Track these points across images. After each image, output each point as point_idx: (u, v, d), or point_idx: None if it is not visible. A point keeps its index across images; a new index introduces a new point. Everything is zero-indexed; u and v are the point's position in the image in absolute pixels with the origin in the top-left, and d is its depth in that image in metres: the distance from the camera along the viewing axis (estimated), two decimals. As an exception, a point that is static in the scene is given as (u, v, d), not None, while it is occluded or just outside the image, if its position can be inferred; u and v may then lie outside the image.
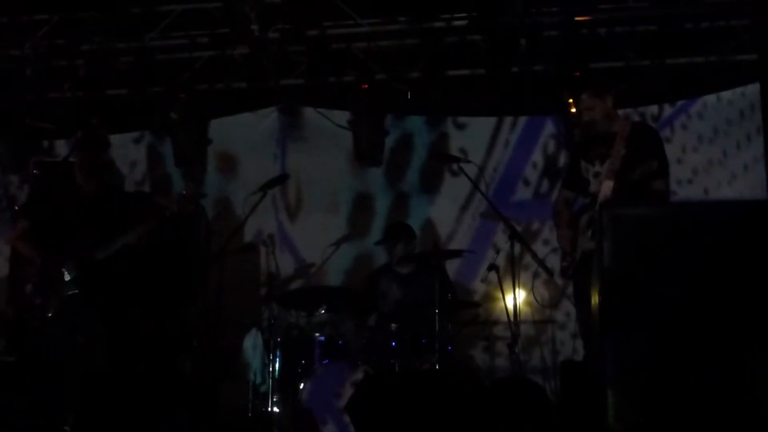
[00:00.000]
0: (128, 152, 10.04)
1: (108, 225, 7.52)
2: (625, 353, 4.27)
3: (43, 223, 7.48)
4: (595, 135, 7.23)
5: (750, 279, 4.29)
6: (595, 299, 4.70)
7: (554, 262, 8.07)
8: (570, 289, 7.74)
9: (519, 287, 8.39)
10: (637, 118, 9.44)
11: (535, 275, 8.21)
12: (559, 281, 8.12)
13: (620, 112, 7.62)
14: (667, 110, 9.56)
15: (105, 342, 7.59)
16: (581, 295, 7.05)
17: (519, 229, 9.20)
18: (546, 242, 9.33)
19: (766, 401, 4.02)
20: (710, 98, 9.50)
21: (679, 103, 9.54)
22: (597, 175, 7.09)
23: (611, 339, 4.36)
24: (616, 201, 6.85)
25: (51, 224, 7.45)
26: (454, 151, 9.71)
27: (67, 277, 7.44)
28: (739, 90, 9.42)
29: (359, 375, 7.94)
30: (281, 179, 8.47)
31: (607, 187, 6.95)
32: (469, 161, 8.37)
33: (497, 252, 8.55)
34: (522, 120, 9.81)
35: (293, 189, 9.68)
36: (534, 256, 8.41)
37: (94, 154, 7.60)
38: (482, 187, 8.69)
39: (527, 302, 9.01)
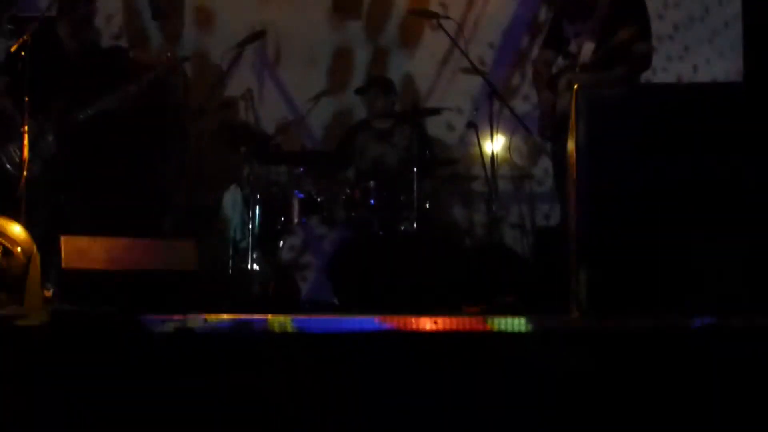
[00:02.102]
0: (104, 4, 9.81)
1: (90, 85, 7.48)
2: (599, 236, 4.32)
3: (25, 80, 7.42)
4: (578, -5, 7.19)
5: (722, 162, 4.32)
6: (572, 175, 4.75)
7: (533, 119, 8.12)
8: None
9: (497, 144, 8.45)
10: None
11: (513, 132, 8.26)
12: (538, 138, 8.09)
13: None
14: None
15: (87, 203, 7.67)
16: (560, 157, 7.10)
17: (499, 84, 9.22)
18: (526, 98, 9.31)
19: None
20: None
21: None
22: (578, 34, 7.06)
23: (585, 219, 4.40)
24: (595, 64, 6.85)
25: (33, 82, 7.39)
26: (433, 4, 9.59)
27: (49, 137, 7.44)
28: (722, -56, 9.31)
29: (338, 234, 8.05)
30: (258, 35, 8.39)
31: (587, 48, 6.93)
32: (447, 17, 8.30)
33: (476, 109, 8.56)
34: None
35: (271, 43, 9.56)
36: (512, 113, 8.41)
37: (82, 11, 7.53)
38: (462, 42, 8.62)
39: (505, 158, 9.03)
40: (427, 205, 8.32)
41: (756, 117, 4.37)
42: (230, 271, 8.41)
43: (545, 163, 8.93)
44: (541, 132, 7.28)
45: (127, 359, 4.39)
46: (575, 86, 4.72)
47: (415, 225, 7.99)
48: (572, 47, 7.06)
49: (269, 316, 4.47)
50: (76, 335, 4.46)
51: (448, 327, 4.30)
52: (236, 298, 7.71)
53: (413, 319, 4.29)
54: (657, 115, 4.30)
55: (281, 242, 8.13)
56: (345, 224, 8.17)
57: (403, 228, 8.12)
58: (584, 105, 4.31)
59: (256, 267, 8.28)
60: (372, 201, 8.27)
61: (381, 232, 8.11)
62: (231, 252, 8.49)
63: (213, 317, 4.52)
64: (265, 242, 8.37)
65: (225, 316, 4.56)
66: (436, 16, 8.15)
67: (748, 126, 4.35)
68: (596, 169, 4.34)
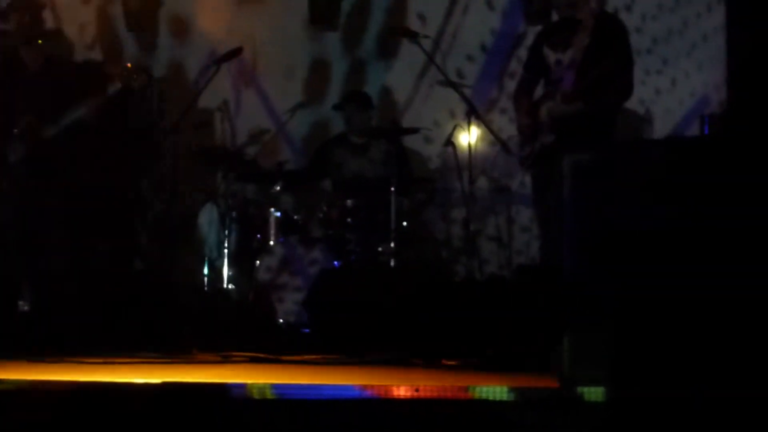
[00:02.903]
0: (77, 14, 9.72)
1: (56, 101, 7.38)
2: (585, 305, 4.28)
3: None
4: (559, 21, 7.15)
5: (715, 212, 4.28)
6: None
7: (511, 130, 8.08)
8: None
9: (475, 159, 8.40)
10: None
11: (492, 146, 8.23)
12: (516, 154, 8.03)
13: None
14: (628, -23, 9.38)
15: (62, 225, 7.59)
16: (539, 189, 7.09)
17: (475, 98, 9.17)
18: (503, 111, 9.25)
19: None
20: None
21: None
22: (559, 62, 7.02)
23: (571, 284, 4.37)
24: (576, 94, 6.81)
25: None
26: (411, 16, 9.54)
27: (12, 158, 7.34)
28: (702, -44, 9.26)
29: (315, 254, 8.01)
30: (235, 53, 8.28)
31: (568, 77, 6.89)
32: (426, 36, 8.24)
33: (453, 127, 8.51)
34: (481, -16, 9.59)
35: (248, 54, 9.39)
36: (492, 132, 8.36)
37: (31, 19, 7.41)
38: (439, 56, 8.55)
39: (483, 173, 9.02)
40: (405, 224, 8.28)
41: (734, 169, 4.32)
42: (206, 289, 8.33)
43: (523, 177, 8.87)
44: (521, 160, 7.24)
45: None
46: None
47: (392, 244, 7.96)
48: (554, 74, 7.00)
49: (248, 381, 4.41)
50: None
51: (429, 395, 4.26)
52: (212, 318, 7.64)
53: (394, 387, 4.26)
54: (641, 172, 4.26)
55: (257, 262, 8.05)
56: (322, 243, 8.12)
57: (380, 249, 8.08)
58: (569, 170, 4.26)
59: (231, 286, 8.23)
60: (349, 219, 8.23)
61: (357, 252, 8.08)
62: (207, 270, 8.41)
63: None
64: (242, 261, 8.31)
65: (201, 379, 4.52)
66: (413, 35, 8.06)
67: (727, 177, 4.29)
68: (582, 236, 4.29)
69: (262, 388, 4.34)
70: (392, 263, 7.85)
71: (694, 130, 9.04)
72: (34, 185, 7.51)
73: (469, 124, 8.29)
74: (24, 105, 7.40)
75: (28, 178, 7.47)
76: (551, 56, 7.05)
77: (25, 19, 7.46)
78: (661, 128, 9.19)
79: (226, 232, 8.24)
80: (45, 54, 7.57)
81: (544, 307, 5.37)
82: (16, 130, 7.39)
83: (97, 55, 9.76)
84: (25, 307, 7.55)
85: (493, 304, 5.81)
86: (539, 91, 7.28)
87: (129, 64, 7.83)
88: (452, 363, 5.75)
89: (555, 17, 7.50)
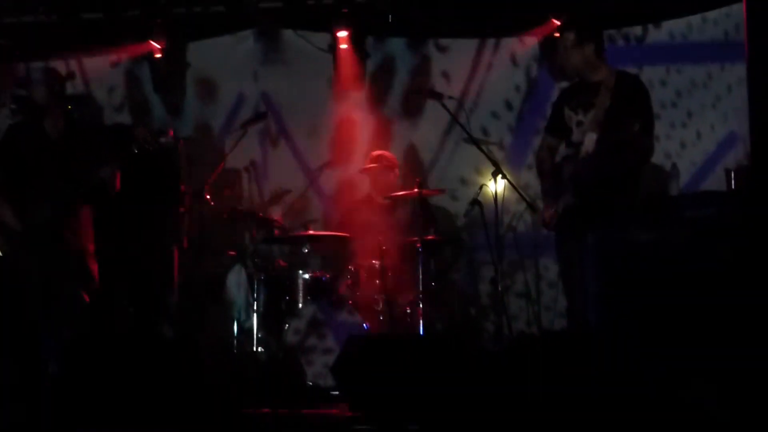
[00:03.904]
0: (105, 78, 9.86)
1: (80, 164, 7.42)
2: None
3: (13, 171, 7.41)
4: (580, 82, 7.16)
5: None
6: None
7: (537, 187, 8.08)
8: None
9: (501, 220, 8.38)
10: (620, 40, 9.36)
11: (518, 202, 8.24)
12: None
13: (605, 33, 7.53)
14: (651, 31, 9.38)
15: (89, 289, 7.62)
16: (563, 251, 7.09)
17: (501, 154, 9.22)
18: (530, 167, 9.25)
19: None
20: (695, 18, 9.32)
21: (664, 23, 9.35)
22: (580, 124, 7.04)
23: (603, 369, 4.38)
24: (598, 156, 6.81)
25: (21, 172, 7.38)
26: (436, 75, 9.63)
27: (38, 221, 7.39)
28: (724, 10, 9.22)
29: (344, 316, 8.02)
30: (261, 117, 8.38)
31: (590, 139, 6.90)
32: (451, 97, 8.27)
33: (480, 187, 8.51)
34: (505, 42, 9.62)
35: (274, 115, 9.55)
36: (517, 190, 8.35)
37: (50, 91, 7.49)
38: (463, 115, 8.56)
39: (511, 229, 9.00)
40: (433, 284, 8.30)
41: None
42: (235, 351, 8.37)
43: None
44: (544, 222, 7.23)
45: None
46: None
47: (420, 305, 7.97)
48: (575, 136, 7.01)
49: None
50: None
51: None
52: (241, 379, 7.68)
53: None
54: (666, 252, 4.28)
55: (286, 324, 8.08)
56: (350, 306, 8.14)
57: (409, 311, 8.11)
58: (594, 250, 4.29)
59: (261, 348, 8.27)
60: (377, 281, 8.26)
61: (386, 312, 8.11)
62: (236, 332, 8.46)
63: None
64: (270, 323, 8.34)
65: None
66: (438, 96, 8.10)
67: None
68: (611, 323, 4.31)
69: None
70: (420, 325, 7.86)
71: (712, 178, 9.02)
72: (60, 248, 7.54)
73: (495, 182, 8.26)
74: (48, 169, 7.45)
75: (54, 241, 7.51)
76: (573, 118, 7.06)
77: (55, 89, 7.55)
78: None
79: (255, 294, 8.30)
80: (70, 119, 7.64)
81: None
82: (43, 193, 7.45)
83: (125, 116, 9.89)
84: (55, 368, 7.58)
85: (522, 376, 5.79)
86: (561, 151, 7.28)
87: (141, 126, 7.89)
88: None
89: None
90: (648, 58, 9.31)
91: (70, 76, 7.94)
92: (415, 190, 8.25)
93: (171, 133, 7.97)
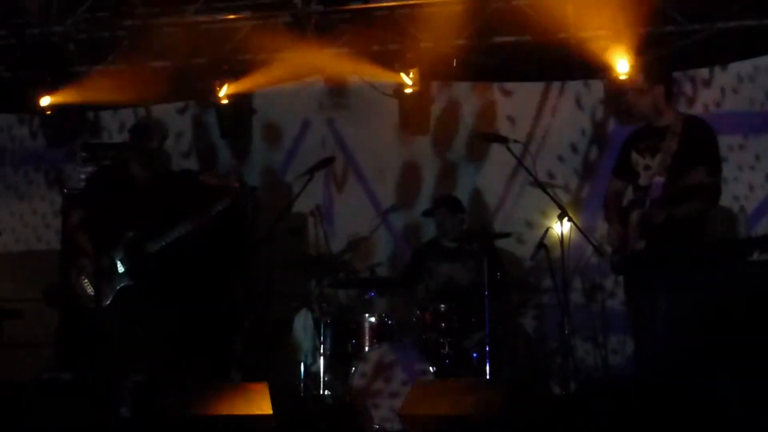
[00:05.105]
0: (173, 122, 10.00)
1: (161, 216, 7.59)
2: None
3: (98, 213, 7.57)
4: (647, 126, 7.13)
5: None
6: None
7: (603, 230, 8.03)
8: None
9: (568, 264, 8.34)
10: (687, 83, 9.31)
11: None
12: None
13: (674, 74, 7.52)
14: (718, 73, 9.33)
15: (161, 333, 7.72)
16: (631, 295, 7.06)
17: (567, 197, 9.19)
18: (597, 211, 9.22)
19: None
20: (761, 60, 9.26)
21: (730, 66, 9.31)
22: (647, 168, 6.99)
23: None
24: (665, 200, 6.78)
25: (105, 215, 7.53)
26: (501, 119, 9.67)
27: (120, 269, 7.52)
28: (790, 51, 9.21)
29: (410, 359, 8.02)
30: (327, 162, 8.42)
31: (657, 183, 6.87)
32: (516, 141, 8.26)
33: (546, 230, 8.48)
34: (570, 85, 9.64)
35: (339, 159, 9.62)
36: (584, 234, 8.32)
37: (156, 147, 7.66)
38: (529, 158, 8.56)
39: (577, 272, 8.97)
40: (500, 327, 8.29)
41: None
42: (302, 395, 8.40)
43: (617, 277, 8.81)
44: (613, 267, 7.20)
45: None
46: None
47: (487, 348, 7.95)
48: (642, 180, 6.98)
49: None
50: None
51: None
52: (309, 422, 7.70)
53: None
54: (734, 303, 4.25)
55: (353, 368, 8.09)
56: (415, 348, 8.14)
57: (475, 355, 8.10)
58: (663, 297, 4.27)
59: (327, 392, 8.30)
60: (443, 324, 8.26)
61: (451, 356, 8.10)
62: (302, 375, 8.49)
63: None
64: (337, 367, 8.37)
65: None
66: (504, 140, 8.08)
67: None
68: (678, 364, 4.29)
69: None
70: (487, 369, 7.85)
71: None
72: (136, 299, 7.65)
73: (561, 225, 8.24)
74: (129, 219, 7.58)
75: (132, 292, 7.62)
76: (640, 162, 7.02)
77: (164, 139, 7.77)
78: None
79: (321, 337, 8.34)
80: (153, 171, 7.78)
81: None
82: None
83: (192, 163, 10.01)
84: (127, 414, 7.66)
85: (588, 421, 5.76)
86: (629, 195, 7.25)
87: (238, 184, 7.96)
88: None
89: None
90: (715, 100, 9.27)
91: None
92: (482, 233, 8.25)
93: (237, 184, 8.02)
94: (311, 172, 8.35)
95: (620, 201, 7.28)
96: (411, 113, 9.56)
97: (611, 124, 9.47)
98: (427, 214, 9.09)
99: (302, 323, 8.62)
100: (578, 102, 9.62)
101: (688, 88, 9.31)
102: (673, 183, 6.74)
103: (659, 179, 6.83)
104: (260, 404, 6.76)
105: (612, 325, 9.19)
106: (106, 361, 7.59)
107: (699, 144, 6.81)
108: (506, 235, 8.68)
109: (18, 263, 10.48)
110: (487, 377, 7.85)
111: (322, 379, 8.33)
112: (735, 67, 9.31)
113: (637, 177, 7.06)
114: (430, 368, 7.95)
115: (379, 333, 8.36)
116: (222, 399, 6.87)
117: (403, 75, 9.39)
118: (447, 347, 8.22)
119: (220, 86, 9.61)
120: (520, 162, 8.37)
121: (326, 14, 9.30)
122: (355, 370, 8.07)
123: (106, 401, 7.48)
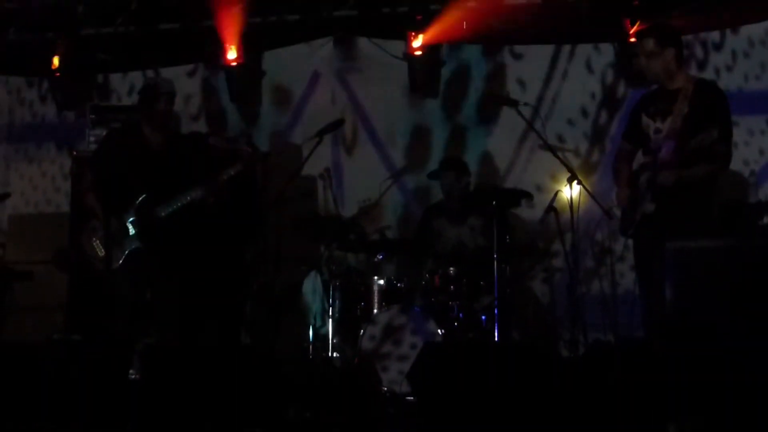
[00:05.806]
0: (182, 86, 9.94)
1: (172, 179, 7.57)
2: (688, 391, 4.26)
3: (109, 176, 7.56)
4: (658, 90, 7.10)
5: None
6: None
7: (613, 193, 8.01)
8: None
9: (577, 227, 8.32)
10: (698, 46, 9.25)
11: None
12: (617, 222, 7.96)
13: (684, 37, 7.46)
14: (729, 37, 9.27)
15: (171, 296, 7.73)
16: (641, 259, 7.04)
17: (577, 161, 9.17)
18: (606, 174, 9.20)
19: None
20: (774, 23, 9.21)
21: (742, 29, 9.24)
22: (658, 131, 6.97)
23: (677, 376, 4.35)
24: (675, 162, 6.75)
25: (117, 178, 7.52)
26: (511, 82, 9.63)
27: (131, 232, 7.52)
28: (804, 14, 9.13)
29: (419, 322, 8.03)
30: (337, 124, 8.36)
31: (667, 146, 6.84)
32: (526, 104, 8.21)
33: (555, 193, 8.46)
34: (580, 48, 9.59)
35: (349, 122, 9.59)
36: (593, 197, 8.29)
37: (165, 108, 7.64)
38: (539, 121, 8.53)
39: (586, 236, 8.96)
40: (509, 291, 8.28)
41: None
42: (311, 358, 8.43)
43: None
44: (622, 230, 7.19)
45: None
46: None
47: (496, 312, 7.96)
48: (652, 143, 6.96)
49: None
50: None
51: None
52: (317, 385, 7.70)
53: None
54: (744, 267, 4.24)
55: (362, 331, 8.11)
56: (424, 311, 8.14)
57: (484, 318, 8.10)
58: (672, 261, 4.26)
59: (336, 354, 8.32)
60: (452, 287, 8.27)
61: (460, 319, 8.11)
62: (312, 338, 8.52)
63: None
64: (346, 330, 8.39)
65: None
66: (514, 103, 8.03)
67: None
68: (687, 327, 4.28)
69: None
70: (495, 333, 7.85)
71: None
72: (147, 262, 7.65)
73: (570, 188, 8.22)
74: (141, 181, 7.57)
75: (142, 255, 7.62)
76: (650, 125, 7.00)
77: (173, 102, 7.73)
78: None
79: (330, 300, 8.36)
80: (165, 134, 7.77)
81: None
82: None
83: (201, 125, 9.99)
84: (136, 376, 7.68)
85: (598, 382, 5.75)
86: (639, 159, 7.23)
87: (250, 149, 7.93)
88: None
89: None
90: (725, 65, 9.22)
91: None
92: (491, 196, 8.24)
93: (249, 149, 7.99)
94: (320, 134, 8.31)
95: (630, 164, 7.26)
96: (421, 76, 9.53)
97: (621, 88, 9.42)
98: (432, 176, 9.06)
99: (311, 286, 8.64)
100: (588, 65, 9.57)
101: (698, 52, 9.24)
102: (683, 146, 6.71)
103: (670, 142, 6.81)
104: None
105: (621, 289, 9.19)
106: (115, 323, 7.61)
107: (710, 107, 6.78)
108: (517, 202, 8.66)
109: (28, 226, 10.51)
110: (496, 340, 7.85)
111: (330, 342, 8.38)
112: (746, 30, 9.23)
113: (647, 140, 7.03)
114: (439, 331, 7.97)
115: (388, 296, 8.38)
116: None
117: (412, 37, 9.37)
118: (456, 310, 8.22)
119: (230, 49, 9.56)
120: (530, 125, 8.33)
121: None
122: (364, 333, 8.09)
123: (116, 363, 7.50)
